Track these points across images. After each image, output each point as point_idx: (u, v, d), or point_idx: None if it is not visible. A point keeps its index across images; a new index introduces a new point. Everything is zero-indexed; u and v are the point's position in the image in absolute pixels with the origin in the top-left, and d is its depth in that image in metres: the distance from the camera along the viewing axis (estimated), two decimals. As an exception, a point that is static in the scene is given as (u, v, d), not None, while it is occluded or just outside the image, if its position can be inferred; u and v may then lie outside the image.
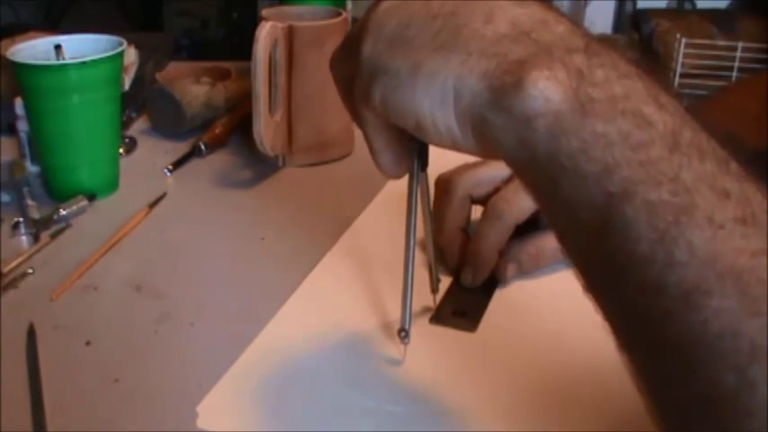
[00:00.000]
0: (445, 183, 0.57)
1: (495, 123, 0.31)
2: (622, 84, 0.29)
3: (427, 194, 0.48)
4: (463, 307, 0.54)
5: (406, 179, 0.44)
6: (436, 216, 0.56)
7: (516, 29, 0.31)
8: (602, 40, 0.32)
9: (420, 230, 0.48)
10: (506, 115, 0.30)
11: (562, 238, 0.32)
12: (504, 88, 0.30)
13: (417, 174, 0.44)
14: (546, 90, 0.29)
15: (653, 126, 0.28)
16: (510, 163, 0.32)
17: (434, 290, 0.52)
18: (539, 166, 0.30)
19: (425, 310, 0.53)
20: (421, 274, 0.51)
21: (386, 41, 0.34)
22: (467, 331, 0.52)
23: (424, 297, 0.53)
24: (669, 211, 0.26)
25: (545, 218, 0.32)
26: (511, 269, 0.55)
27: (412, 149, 0.42)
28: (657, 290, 0.26)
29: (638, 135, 0.28)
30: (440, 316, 0.53)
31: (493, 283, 0.56)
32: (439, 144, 0.34)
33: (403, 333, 0.47)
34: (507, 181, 0.56)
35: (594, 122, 0.28)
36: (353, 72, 0.36)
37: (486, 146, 0.32)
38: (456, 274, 0.57)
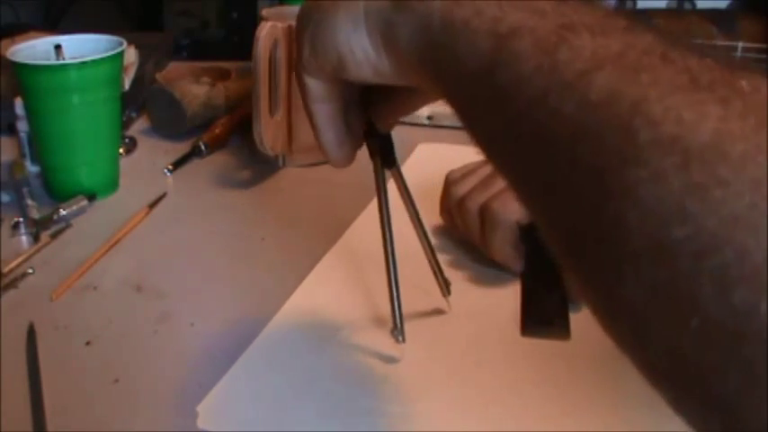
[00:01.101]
0: (486, 212, 0.57)
1: (397, 22, 0.33)
2: None
3: (407, 192, 0.48)
4: (548, 315, 0.53)
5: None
6: (484, 243, 0.58)
7: None
8: None
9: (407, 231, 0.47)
10: (407, 11, 0.32)
11: (459, 106, 0.32)
12: None
13: (381, 171, 0.45)
14: None
15: None
16: (414, 63, 0.33)
17: (445, 293, 0.52)
18: (436, 45, 0.31)
19: (436, 311, 0.53)
20: (426, 276, 0.51)
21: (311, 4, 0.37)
22: (561, 339, 0.51)
23: (433, 299, 0.53)
24: (554, 33, 0.26)
25: (450, 101, 0.33)
26: None
27: (372, 144, 0.44)
28: (544, 98, 0.25)
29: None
30: (530, 328, 0.52)
31: (560, 281, 0.54)
32: (360, 76, 0.36)
33: (396, 331, 0.47)
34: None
35: None
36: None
37: (396, 56, 0.34)
38: (524, 284, 0.56)
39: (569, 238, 0.26)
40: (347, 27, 0.35)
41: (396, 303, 0.47)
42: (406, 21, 0.33)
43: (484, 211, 0.57)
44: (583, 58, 0.25)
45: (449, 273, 0.57)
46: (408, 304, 0.54)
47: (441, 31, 0.31)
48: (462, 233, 0.60)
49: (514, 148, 0.28)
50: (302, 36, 0.38)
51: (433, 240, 0.62)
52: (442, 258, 0.59)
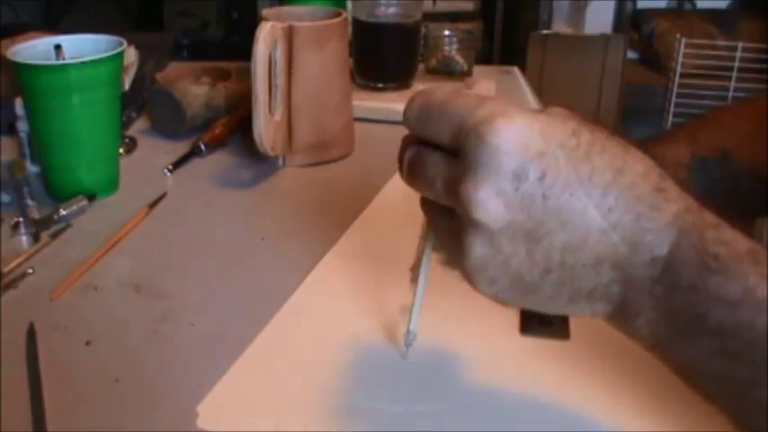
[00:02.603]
0: None
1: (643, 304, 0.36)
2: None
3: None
4: (547, 316, 0.53)
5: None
6: None
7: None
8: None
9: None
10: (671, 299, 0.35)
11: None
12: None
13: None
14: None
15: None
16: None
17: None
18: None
19: (436, 311, 0.53)
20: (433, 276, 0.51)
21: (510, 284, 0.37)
22: (560, 339, 0.51)
23: (433, 300, 0.53)
24: None
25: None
26: None
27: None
28: None
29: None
30: (530, 328, 0.52)
31: None
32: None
33: (410, 335, 0.47)
34: None
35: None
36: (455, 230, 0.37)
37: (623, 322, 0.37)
38: None
39: None
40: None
41: (417, 312, 0.47)
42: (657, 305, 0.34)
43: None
44: None
45: (444, 271, 0.56)
46: (409, 305, 0.54)
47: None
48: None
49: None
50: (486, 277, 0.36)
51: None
52: (437, 257, 0.59)
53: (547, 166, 0.34)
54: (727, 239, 0.34)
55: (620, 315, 0.36)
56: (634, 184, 0.34)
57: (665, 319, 0.34)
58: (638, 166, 0.35)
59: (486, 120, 0.34)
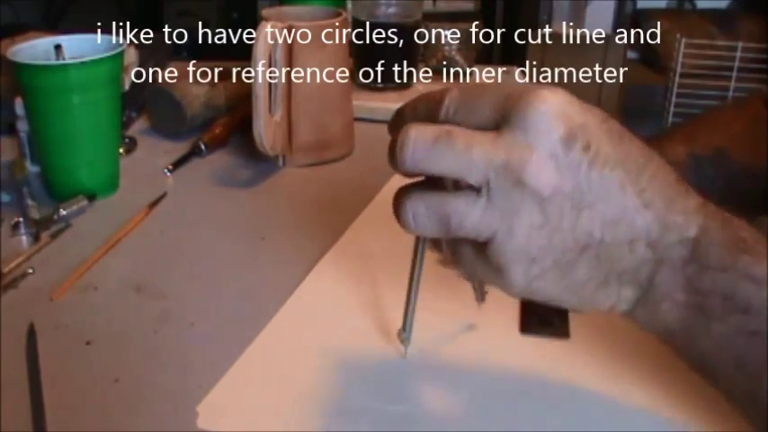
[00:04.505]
0: None
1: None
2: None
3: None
4: (547, 315, 0.53)
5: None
6: None
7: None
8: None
9: None
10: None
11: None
12: None
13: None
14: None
15: None
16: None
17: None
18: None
19: (437, 312, 0.53)
20: (425, 282, 0.51)
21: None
22: (561, 338, 0.51)
23: (434, 301, 0.53)
24: None
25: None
26: None
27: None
28: None
29: None
30: (530, 327, 0.52)
31: None
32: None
33: (404, 335, 0.47)
34: None
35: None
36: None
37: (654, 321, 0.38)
38: None
39: None
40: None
41: (410, 310, 0.47)
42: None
43: None
44: None
45: (445, 271, 0.56)
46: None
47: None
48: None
49: None
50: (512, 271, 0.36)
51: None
52: (437, 256, 0.59)
53: (590, 137, 0.35)
54: (748, 227, 0.36)
55: (645, 301, 0.37)
56: (661, 171, 0.36)
57: (694, 299, 0.35)
58: (660, 158, 0.37)
59: (532, 91, 0.35)
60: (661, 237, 0.35)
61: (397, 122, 0.39)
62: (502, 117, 0.35)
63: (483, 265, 0.37)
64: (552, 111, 0.34)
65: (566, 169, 0.34)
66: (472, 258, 0.37)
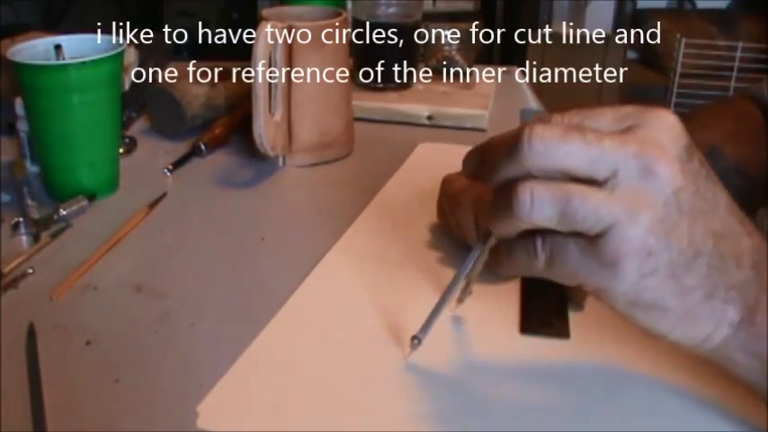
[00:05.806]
0: (480, 204, 0.57)
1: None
2: None
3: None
4: (547, 315, 0.53)
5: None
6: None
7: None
8: None
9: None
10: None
11: None
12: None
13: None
14: None
15: None
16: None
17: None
18: None
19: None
20: (425, 282, 0.51)
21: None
22: (561, 338, 0.51)
23: (432, 298, 0.53)
24: None
25: None
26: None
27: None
28: None
29: None
30: (530, 327, 0.52)
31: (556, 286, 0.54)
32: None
33: (416, 341, 0.47)
34: None
35: None
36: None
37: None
38: (524, 284, 0.56)
39: None
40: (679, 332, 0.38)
41: (435, 318, 0.47)
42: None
43: (477, 203, 0.56)
44: None
45: (444, 271, 0.56)
46: (410, 304, 0.54)
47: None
48: (456, 233, 0.60)
49: None
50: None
51: (431, 238, 0.62)
52: (437, 256, 0.59)
53: (699, 156, 0.38)
54: None
55: (751, 322, 0.37)
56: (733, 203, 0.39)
57: None
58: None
59: (652, 108, 0.38)
60: (761, 261, 0.37)
61: (471, 160, 0.41)
62: (627, 124, 0.37)
63: (590, 261, 0.36)
64: (678, 123, 0.37)
65: (688, 172, 0.36)
66: (577, 255, 0.37)
